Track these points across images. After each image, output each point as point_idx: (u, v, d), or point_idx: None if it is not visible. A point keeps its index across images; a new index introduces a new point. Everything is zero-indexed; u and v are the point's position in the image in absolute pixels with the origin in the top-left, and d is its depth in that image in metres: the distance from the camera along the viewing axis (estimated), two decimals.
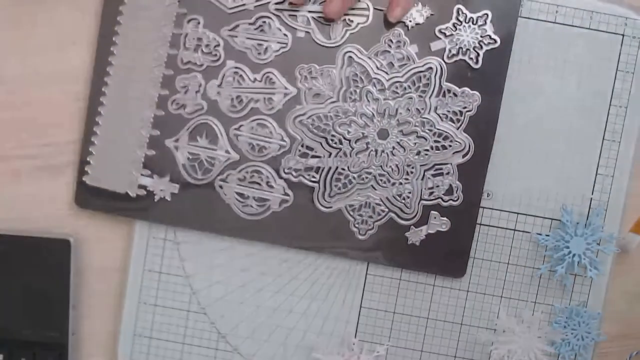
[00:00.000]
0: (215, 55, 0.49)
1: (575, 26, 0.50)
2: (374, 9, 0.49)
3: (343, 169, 0.50)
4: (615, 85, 0.50)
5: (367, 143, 0.50)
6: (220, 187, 0.50)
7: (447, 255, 0.50)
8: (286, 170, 0.50)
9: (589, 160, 0.50)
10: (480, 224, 0.51)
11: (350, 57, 0.49)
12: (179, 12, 0.49)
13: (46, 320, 0.49)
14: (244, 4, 0.49)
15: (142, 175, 0.50)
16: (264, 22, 0.49)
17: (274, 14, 0.49)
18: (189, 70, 0.50)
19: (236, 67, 0.49)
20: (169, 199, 0.50)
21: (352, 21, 0.49)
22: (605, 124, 0.50)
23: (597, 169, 0.50)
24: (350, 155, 0.50)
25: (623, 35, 0.50)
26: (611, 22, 0.50)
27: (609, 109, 0.50)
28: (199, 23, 0.49)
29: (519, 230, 0.51)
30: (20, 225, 0.51)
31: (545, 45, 0.50)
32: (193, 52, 0.49)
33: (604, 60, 0.50)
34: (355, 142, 0.50)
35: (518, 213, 0.51)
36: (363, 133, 0.49)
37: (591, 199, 0.51)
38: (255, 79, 0.49)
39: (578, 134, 0.50)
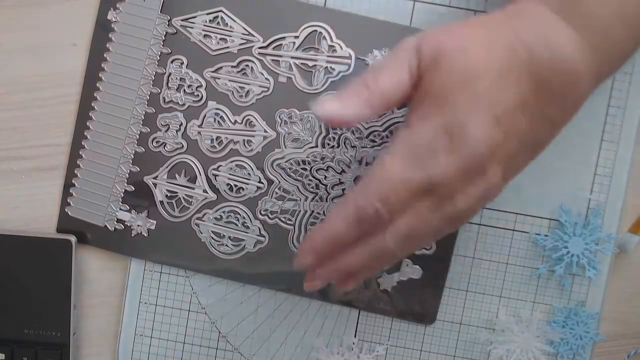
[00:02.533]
0: (198, 95, 0.50)
1: None
2: (356, 57, 0.49)
3: (319, 213, 0.50)
4: (614, 85, 0.50)
5: (344, 189, 0.50)
6: (197, 225, 0.51)
7: (419, 303, 0.51)
8: (262, 212, 0.50)
9: (587, 161, 0.50)
10: (480, 224, 0.51)
11: None
12: (163, 51, 0.50)
13: (47, 320, 0.50)
14: (227, 47, 0.50)
15: (120, 209, 0.51)
16: (247, 65, 0.50)
17: (257, 58, 0.50)
18: (171, 109, 0.50)
19: (217, 109, 0.50)
20: (145, 235, 0.51)
21: (333, 69, 0.49)
22: (604, 125, 0.50)
23: (596, 169, 0.50)
24: (327, 200, 0.50)
25: None
26: None
27: (607, 110, 0.50)
28: (182, 63, 0.50)
29: (517, 231, 0.51)
30: (21, 226, 0.52)
31: None
32: (175, 92, 0.50)
33: None
34: (332, 188, 0.50)
35: (517, 213, 0.51)
36: (340, 179, 0.50)
37: (590, 199, 0.51)
38: (235, 121, 0.50)
39: (576, 134, 0.50)
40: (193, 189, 0.50)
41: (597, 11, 0.33)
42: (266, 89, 0.50)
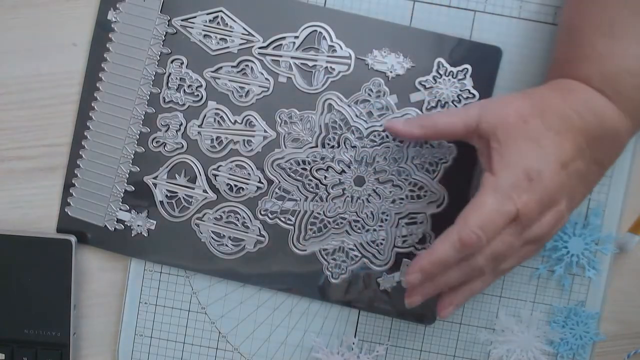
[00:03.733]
0: (197, 95, 0.50)
1: None
2: (356, 57, 0.49)
3: (319, 213, 0.50)
4: None
5: (344, 189, 0.50)
6: (197, 225, 0.51)
7: None
8: (262, 212, 0.50)
9: None
10: None
11: (330, 104, 0.49)
12: (163, 51, 0.50)
13: (47, 320, 0.50)
14: (227, 47, 0.50)
15: (120, 210, 0.51)
16: (247, 65, 0.50)
17: (257, 58, 0.50)
18: (171, 109, 0.50)
19: (217, 109, 0.50)
20: (145, 235, 0.51)
21: (333, 69, 0.49)
22: None
23: None
24: (326, 200, 0.50)
25: None
26: None
27: None
28: (182, 63, 0.50)
29: None
30: (21, 226, 0.52)
31: (545, 45, 0.50)
32: (175, 92, 0.50)
33: None
34: (332, 188, 0.50)
35: None
36: (340, 179, 0.50)
37: (590, 199, 0.51)
38: (235, 121, 0.50)
39: None
40: (193, 189, 0.50)
41: (631, 92, 0.43)
42: (266, 89, 0.50)
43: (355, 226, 0.50)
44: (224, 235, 0.51)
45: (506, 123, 0.43)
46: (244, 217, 0.50)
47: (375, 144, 0.50)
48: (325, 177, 0.50)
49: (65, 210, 0.51)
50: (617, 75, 0.43)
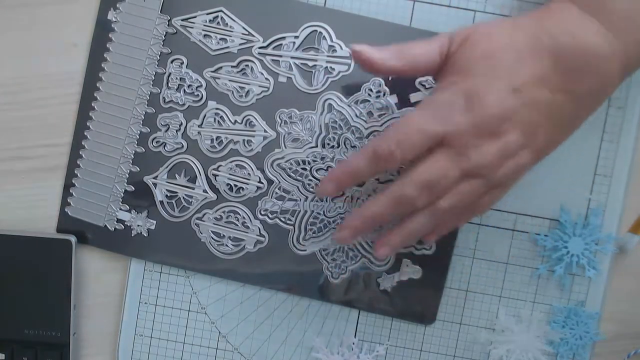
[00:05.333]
0: (197, 95, 0.50)
1: None
2: None
3: (319, 213, 0.50)
4: None
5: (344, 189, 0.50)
6: (197, 225, 0.51)
7: (419, 303, 0.51)
8: (262, 212, 0.50)
9: (587, 161, 0.50)
10: (480, 224, 0.51)
11: (330, 104, 0.49)
12: (163, 51, 0.50)
13: (47, 320, 0.50)
14: (227, 47, 0.50)
15: (120, 209, 0.51)
16: (247, 65, 0.50)
17: (257, 58, 0.50)
18: (171, 109, 0.50)
19: (217, 109, 0.50)
20: (145, 235, 0.51)
21: (333, 69, 0.49)
22: (604, 125, 0.50)
23: (596, 169, 0.50)
24: (326, 200, 0.50)
25: None
26: None
27: (607, 110, 0.50)
28: (182, 63, 0.50)
29: (517, 230, 0.51)
30: (21, 226, 0.52)
31: None
32: (175, 92, 0.50)
33: None
34: None
35: (517, 213, 0.51)
36: None
37: (589, 199, 0.51)
38: (235, 121, 0.50)
39: (576, 135, 0.50)
40: (193, 189, 0.50)
41: (621, 6, 0.37)
42: (266, 89, 0.50)
43: None
44: (224, 235, 0.51)
45: (470, 41, 0.39)
46: (244, 217, 0.50)
47: None
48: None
49: (65, 210, 0.51)
50: None
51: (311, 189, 0.50)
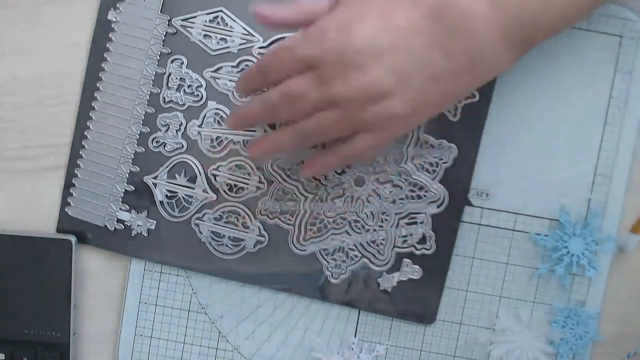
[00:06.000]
0: (197, 95, 0.50)
1: (574, 27, 0.50)
2: None
3: (318, 214, 0.50)
4: (614, 86, 0.50)
5: (344, 189, 0.50)
6: (197, 225, 0.51)
7: (418, 302, 0.51)
8: (262, 212, 0.50)
9: (587, 161, 0.50)
10: (480, 224, 0.51)
11: None
12: (163, 51, 0.50)
13: (47, 321, 0.50)
14: (227, 47, 0.50)
15: (120, 209, 0.51)
16: (247, 65, 0.50)
17: (257, 57, 0.50)
18: (171, 109, 0.50)
19: (217, 108, 0.50)
20: (145, 235, 0.51)
21: None
22: (604, 125, 0.50)
23: (596, 169, 0.50)
24: (326, 201, 0.50)
25: (621, 36, 0.50)
26: (610, 23, 0.50)
27: (608, 110, 0.50)
28: (182, 63, 0.50)
29: (517, 231, 0.51)
30: (21, 226, 0.52)
31: (545, 46, 0.50)
32: (175, 92, 0.50)
33: (603, 62, 0.50)
34: (332, 188, 0.50)
35: (517, 213, 0.51)
36: (340, 179, 0.50)
37: (590, 199, 0.51)
38: None
39: (577, 135, 0.50)
40: (193, 189, 0.50)
41: None
42: (266, 89, 0.50)
43: (355, 226, 0.50)
44: (224, 235, 0.51)
45: None
46: (244, 217, 0.50)
47: None
48: (325, 177, 0.50)
49: (65, 210, 0.51)
50: None
51: (311, 189, 0.50)
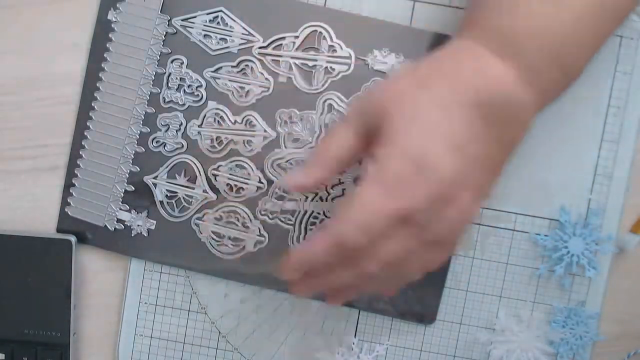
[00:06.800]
0: (198, 95, 0.50)
1: None
2: (356, 58, 0.49)
3: (319, 213, 0.50)
4: (614, 86, 0.50)
5: (344, 189, 0.50)
6: (197, 225, 0.51)
7: (419, 303, 0.51)
8: (262, 212, 0.50)
9: (587, 161, 0.50)
10: (480, 224, 0.51)
11: (330, 104, 0.49)
12: (163, 51, 0.50)
13: (47, 320, 0.50)
14: (227, 47, 0.50)
15: (120, 209, 0.51)
16: (247, 65, 0.50)
17: (257, 58, 0.50)
18: (171, 109, 0.50)
19: (217, 109, 0.50)
20: (145, 235, 0.51)
21: (333, 69, 0.49)
22: (604, 125, 0.50)
23: (596, 169, 0.50)
24: (327, 200, 0.50)
25: (621, 36, 0.50)
26: None
27: (608, 110, 0.50)
28: (182, 63, 0.50)
29: (517, 231, 0.51)
30: (21, 226, 0.52)
31: None
32: (175, 92, 0.50)
33: (603, 61, 0.50)
34: (332, 188, 0.50)
35: (517, 213, 0.51)
36: (340, 179, 0.50)
37: (590, 199, 0.51)
38: (235, 121, 0.50)
39: (577, 135, 0.50)
40: (193, 189, 0.50)
41: (533, 55, 0.37)
42: (266, 89, 0.50)
43: None
44: (224, 235, 0.51)
45: (388, 110, 0.37)
46: (244, 217, 0.50)
47: None
48: None
49: (65, 210, 0.51)
50: (518, 35, 0.37)
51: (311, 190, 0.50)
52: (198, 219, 0.51)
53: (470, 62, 0.38)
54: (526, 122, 0.39)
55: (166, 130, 0.50)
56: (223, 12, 0.50)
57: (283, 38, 0.49)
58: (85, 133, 0.51)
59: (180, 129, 0.50)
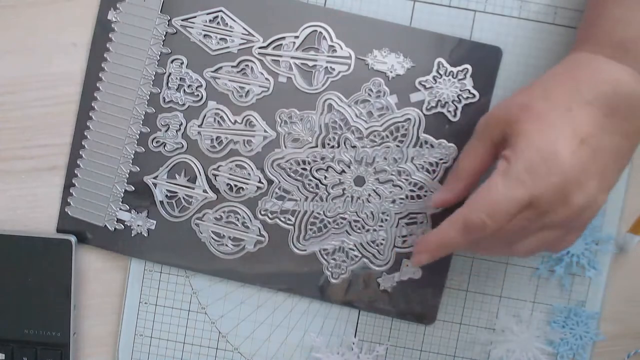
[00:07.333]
0: (197, 95, 0.50)
1: (573, 27, 0.50)
2: (356, 57, 0.49)
3: (319, 213, 0.50)
4: None
5: (344, 189, 0.50)
6: (197, 225, 0.51)
7: (419, 303, 0.51)
8: (262, 212, 0.50)
9: None
10: None
11: (330, 104, 0.49)
12: (163, 51, 0.50)
13: (47, 320, 0.50)
14: (227, 47, 0.50)
15: (120, 209, 0.51)
16: (247, 65, 0.50)
17: (257, 58, 0.50)
18: (171, 109, 0.50)
19: (217, 109, 0.50)
20: (145, 235, 0.51)
21: (333, 69, 0.49)
22: None
23: None
24: (326, 200, 0.50)
25: None
26: None
27: None
28: (182, 63, 0.50)
29: None
30: (21, 226, 0.52)
31: (545, 45, 0.50)
32: (175, 92, 0.50)
33: None
34: (332, 188, 0.50)
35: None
36: (340, 179, 0.50)
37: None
38: (235, 121, 0.50)
39: None
40: (193, 189, 0.50)
41: None
42: (266, 89, 0.50)
43: (355, 226, 0.50)
44: (224, 235, 0.51)
45: (511, 119, 0.41)
46: (244, 217, 0.50)
47: (375, 144, 0.50)
48: (325, 177, 0.50)
49: (65, 210, 0.51)
50: (630, 40, 0.40)
51: (311, 189, 0.50)
52: (198, 219, 0.51)
53: (587, 66, 0.41)
54: None
55: (166, 130, 0.50)
56: (223, 12, 0.50)
57: (283, 38, 0.49)
58: (85, 133, 0.51)
59: (180, 129, 0.50)
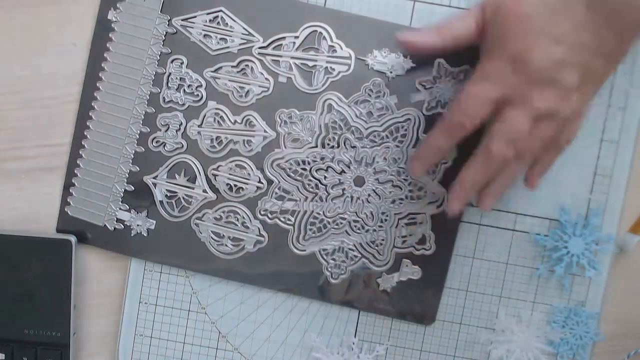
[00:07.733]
0: (197, 95, 0.50)
1: None
2: (356, 58, 0.49)
3: (318, 214, 0.50)
4: (614, 85, 0.50)
5: (343, 189, 0.50)
6: (197, 225, 0.51)
7: (419, 303, 0.51)
8: (262, 212, 0.50)
9: (587, 161, 0.51)
10: (480, 224, 0.51)
11: (330, 104, 0.49)
12: (163, 51, 0.50)
13: (48, 320, 0.50)
14: (227, 47, 0.50)
15: (120, 209, 0.51)
16: (247, 65, 0.50)
17: (257, 58, 0.50)
18: (171, 109, 0.50)
19: (217, 108, 0.50)
20: (145, 235, 0.51)
21: (333, 69, 0.49)
22: (604, 125, 0.50)
23: (596, 169, 0.51)
24: (326, 200, 0.50)
25: None
26: None
27: (607, 110, 0.50)
28: (182, 63, 0.50)
29: (517, 231, 0.51)
30: (21, 226, 0.52)
31: None
32: (175, 92, 0.50)
33: None
34: (332, 188, 0.50)
35: (517, 213, 0.51)
36: (339, 179, 0.50)
37: (590, 199, 0.51)
38: (235, 121, 0.50)
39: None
40: (193, 189, 0.50)
41: None
42: (266, 89, 0.50)
43: (355, 226, 0.50)
44: (223, 235, 0.51)
45: (501, 9, 0.42)
46: (243, 217, 0.50)
47: (375, 144, 0.50)
48: (325, 177, 0.50)
49: (65, 210, 0.51)
50: None
51: (311, 189, 0.50)
52: (198, 219, 0.51)
53: None
54: (636, 20, 0.41)
55: (166, 130, 0.50)
56: (223, 12, 0.50)
57: (283, 38, 0.49)
58: (85, 133, 0.51)
59: (180, 128, 0.50)
